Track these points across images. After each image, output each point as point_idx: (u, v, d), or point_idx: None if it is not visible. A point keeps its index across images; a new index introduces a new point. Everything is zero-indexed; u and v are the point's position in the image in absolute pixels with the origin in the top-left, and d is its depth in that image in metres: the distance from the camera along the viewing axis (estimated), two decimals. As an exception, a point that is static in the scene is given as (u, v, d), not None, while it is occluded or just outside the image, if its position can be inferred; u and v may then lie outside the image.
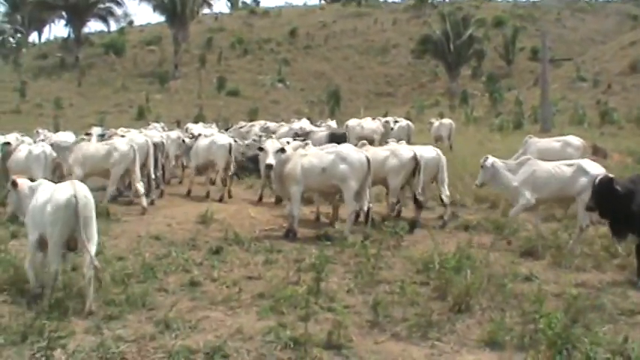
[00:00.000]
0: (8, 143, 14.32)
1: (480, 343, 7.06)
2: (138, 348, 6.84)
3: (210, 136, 18.07)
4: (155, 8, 64.08)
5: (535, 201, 11.64)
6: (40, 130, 20.76)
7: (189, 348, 6.76)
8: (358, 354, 6.74)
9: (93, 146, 15.94)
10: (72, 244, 8.41)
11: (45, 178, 12.99)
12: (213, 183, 17.69)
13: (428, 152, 13.82)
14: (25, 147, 14.19)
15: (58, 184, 8.78)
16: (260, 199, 16.84)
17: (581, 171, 11.28)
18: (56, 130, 24.31)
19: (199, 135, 18.56)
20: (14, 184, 9.16)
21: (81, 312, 7.70)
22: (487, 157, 12.39)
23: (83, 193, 8.28)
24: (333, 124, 25.54)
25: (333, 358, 6.63)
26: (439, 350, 6.91)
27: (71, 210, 8.05)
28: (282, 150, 12.77)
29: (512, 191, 11.92)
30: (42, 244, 8.33)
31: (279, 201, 16.01)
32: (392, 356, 6.68)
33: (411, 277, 9.41)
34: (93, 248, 8.30)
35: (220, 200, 16.27)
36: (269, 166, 12.73)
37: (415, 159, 12.92)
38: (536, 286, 8.58)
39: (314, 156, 12.62)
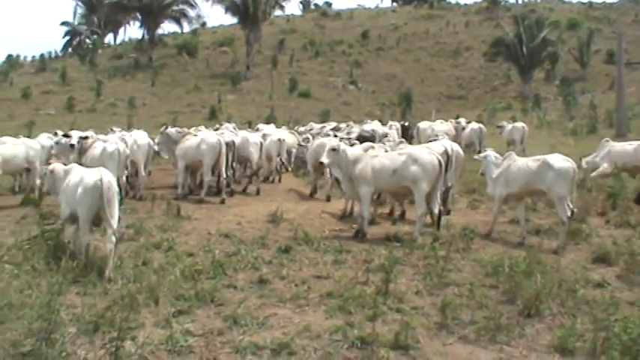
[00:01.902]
0: (86, 137, 14.61)
1: (550, 348, 6.95)
2: (206, 342, 6.92)
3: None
4: (227, 10, 64.52)
5: (507, 194, 12.52)
6: (114, 129, 21.12)
7: (256, 344, 6.82)
8: (425, 355, 6.70)
9: (191, 140, 16.70)
10: (97, 221, 9.82)
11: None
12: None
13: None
14: (100, 144, 14.45)
15: (88, 170, 10.29)
16: (312, 193, 17.75)
17: (547, 165, 11.91)
18: (129, 128, 24.66)
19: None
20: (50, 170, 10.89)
21: (149, 306, 7.88)
22: (485, 150, 13.90)
23: (107, 178, 9.74)
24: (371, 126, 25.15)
25: (400, 358, 6.61)
26: (507, 354, 6.82)
27: (98, 192, 9.52)
28: (335, 150, 12.94)
29: (490, 184, 12.91)
30: (73, 219, 9.81)
31: (313, 194, 17.25)
32: (459, 359, 6.63)
33: (480, 280, 9.31)
34: (114, 224, 9.63)
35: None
36: (322, 164, 13.47)
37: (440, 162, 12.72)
38: (609, 293, 8.43)
39: (385, 157, 12.59)
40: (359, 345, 6.81)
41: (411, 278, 9.49)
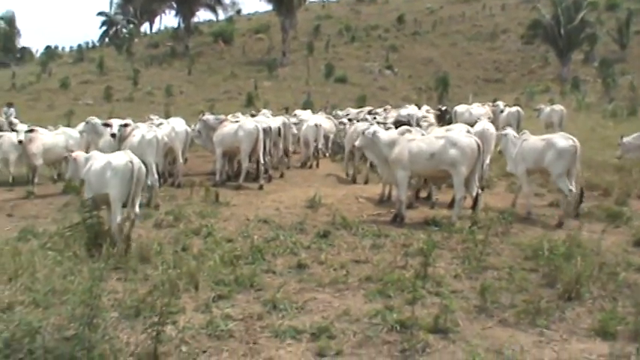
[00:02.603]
0: (126, 124, 14.73)
1: (591, 332, 6.92)
2: (245, 327, 6.97)
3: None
4: (262, -4, 64.66)
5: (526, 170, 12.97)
6: (152, 117, 21.26)
7: (295, 328, 6.86)
8: (465, 339, 6.69)
9: (228, 126, 16.80)
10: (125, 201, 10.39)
11: (157, 162, 13.61)
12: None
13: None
14: (139, 132, 14.55)
15: (113, 154, 11.08)
16: (347, 174, 18.14)
17: (550, 144, 12.46)
18: (167, 116, 24.79)
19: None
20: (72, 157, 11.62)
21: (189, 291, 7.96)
22: (505, 128, 14.41)
23: (137, 160, 10.49)
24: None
25: (440, 342, 6.59)
26: (547, 338, 6.79)
27: (129, 173, 10.22)
28: (367, 134, 13.08)
29: (510, 162, 13.47)
30: (96, 202, 10.29)
31: (354, 180, 17.30)
32: (499, 342, 6.59)
33: (520, 264, 9.28)
34: (137, 203, 10.53)
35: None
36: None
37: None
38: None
39: (422, 141, 12.52)
40: (398, 328, 6.82)
41: (450, 262, 9.48)
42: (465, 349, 6.39)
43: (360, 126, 17.69)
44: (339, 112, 27.78)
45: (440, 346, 6.49)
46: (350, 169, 18.16)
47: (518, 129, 16.96)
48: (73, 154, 11.88)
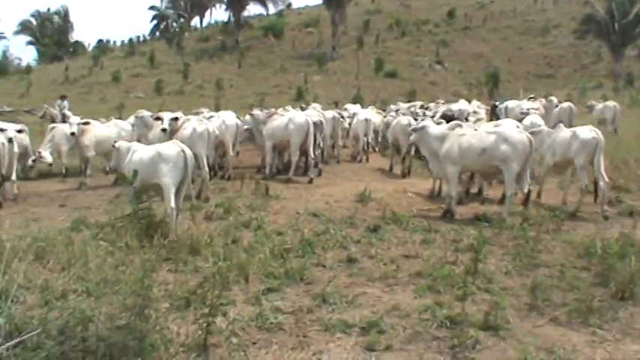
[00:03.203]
0: (176, 118, 14.85)
1: (644, 332, 6.78)
2: (295, 320, 6.97)
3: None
4: (313, -9, 64.75)
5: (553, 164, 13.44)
6: (202, 110, 21.40)
7: (345, 322, 6.83)
8: (515, 336, 6.60)
9: (278, 120, 16.90)
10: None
11: (208, 155, 13.73)
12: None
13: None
14: (190, 125, 14.66)
15: (162, 144, 11.53)
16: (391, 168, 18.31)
17: (574, 136, 12.76)
18: (217, 109, 24.94)
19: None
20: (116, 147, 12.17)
21: (239, 283, 8.00)
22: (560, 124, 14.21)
23: (187, 149, 11.07)
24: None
25: (490, 339, 6.50)
26: (600, 338, 6.65)
27: (182, 161, 10.81)
28: (419, 128, 13.23)
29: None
30: (143, 191, 10.34)
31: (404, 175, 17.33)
32: (550, 340, 6.50)
33: (572, 262, 9.11)
34: (184, 191, 11.17)
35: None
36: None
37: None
38: None
39: (473, 136, 12.43)
40: (448, 324, 6.76)
41: (501, 258, 9.38)
42: (516, 347, 6.32)
43: (403, 120, 17.75)
44: (392, 107, 27.79)
45: (490, 343, 6.41)
46: (399, 163, 18.17)
47: (570, 125, 16.76)
48: (117, 144, 12.31)
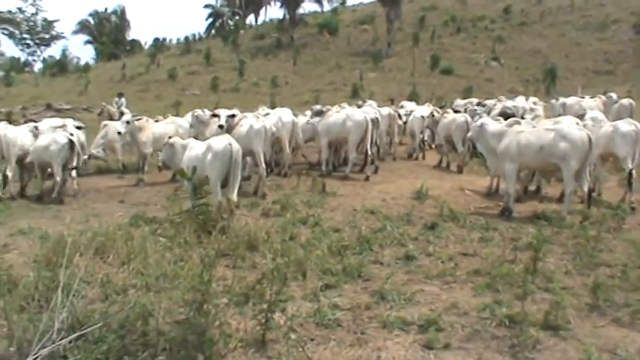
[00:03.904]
0: (233, 115, 14.94)
1: None
2: (353, 316, 6.97)
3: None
4: (367, -13, 64.58)
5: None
6: (264, 108, 21.46)
7: (403, 319, 6.81)
8: (576, 337, 6.50)
9: (335, 116, 16.90)
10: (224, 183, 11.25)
11: (264, 151, 13.80)
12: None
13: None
14: (246, 122, 14.74)
15: (213, 138, 11.91)
16: (440, 162, 18.68)
17: (614, 129, 13.19)
18: (272, 107, 25.02)
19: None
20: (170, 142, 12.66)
21: (297, 279, 8.02)
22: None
23: (235, 143, 11.39)
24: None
25: (550, 339, 6.42)
26: (665, 339, 6.52)
27: (228, 154, 11.12)
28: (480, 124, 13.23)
29: None
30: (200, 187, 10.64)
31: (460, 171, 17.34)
32: (612, 342, 6.38)
33: (634, 261, 8.90)
34: (236, 186, 11.45)
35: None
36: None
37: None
38: None
39: (531, 133, 12.29)
40: (507, 323, 6.69)
41: (560, 257, 9.26)
42: (578, 348, 6.22)
43: (459, 117, 17.73)
44: (459, 101, 27.67)
45: (550, 343, 6.33)
46: (450, 158, 18.39)
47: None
48: (171, 140, 12.71)
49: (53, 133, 14.72)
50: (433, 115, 19.71)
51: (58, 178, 14.12)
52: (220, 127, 14.39)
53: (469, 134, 13.81)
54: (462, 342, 6.37)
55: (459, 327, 6.68)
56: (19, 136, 15.10)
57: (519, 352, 6.15)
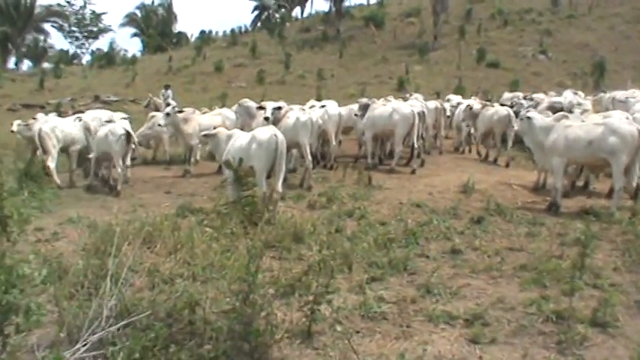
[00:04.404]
0: (279, 108, 14.99)
1: None
2: (399, 309, 6.97)
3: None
4: (413, -20, 64.21)
5: None
6: (315, 103, 21.48)
7: (449, 313, 6.81)
8: (625, 334, 6.42)
9: (380, 109, 16.83)
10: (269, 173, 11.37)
11: (311, 144, 13.82)
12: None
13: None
14: (293, 114, 14.77)
15: (258, 129, 12.04)
16: (479, 154, 18.81)
17: None
18: (318, 100, 25.02)
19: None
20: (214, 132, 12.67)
21: (343, 272, 8.04)
22: None
23: (280, 134, 11.50)
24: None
25: (598, 336, 6.36)
26: None
27: (273, 145, 11.18)
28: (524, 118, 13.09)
29: None
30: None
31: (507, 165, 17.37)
32: (664, 342, 6.30)
33: (686, 259, 8.82)
34: (281, 177, 11.54)
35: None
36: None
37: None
38: None
39: (579, 127, 12.14)
40: (554, 319, 6.64)
41: (609, 254, 9.14)
42: (627, 346, 6.15)
43: (501, 110, 17.65)
44: (507, 95, 27.49)
45: (599, 341, 6.26)
46: (490, 151, 18.56)
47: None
48: (216, 130, 12.77)
49: (110, 125, 15.06)
50: (471, 109, 19.50)
51: (119, 170, 14.36)
52: (266, 119, 14.43)
53: (516, 128, 13.66)
54: (508, 337, 6.34)
55: (505, 322, 6.66)
56: (60, 127, 15.41)
57: (566, 348, 6.10)
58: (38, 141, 15.26)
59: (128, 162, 15.30)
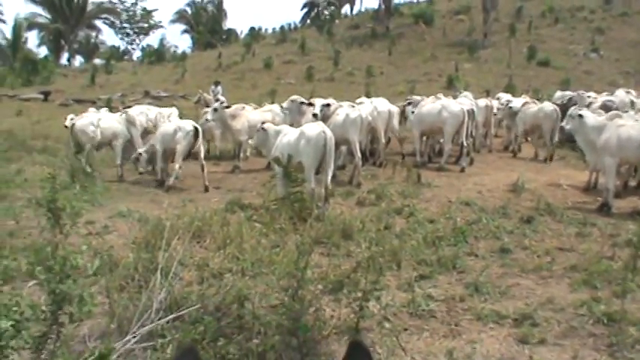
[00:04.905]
0: (328, 105, 15.03)
1: None
2: (447, 308, 6.97)
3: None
4: (464, -22, 63.82)
5: None
6: (364, 99, 21.46)
7: (498, 313, 6.78)
8: (679, 339, 6.32)
9: (428, 106, 16.85)
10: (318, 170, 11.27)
11: (360, 141, 13.82)
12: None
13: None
14: (342, 111, 14.79)
15: (306, 124, 11.97)
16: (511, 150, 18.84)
17: None
18: (368, 97, 24.97)
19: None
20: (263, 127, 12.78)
21: (391, 269, 8.03)
22: None
23: (329, 130, 11.40)
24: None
25: (651, 339, 6.27)
26: None
27: (322, 141, 11.08)
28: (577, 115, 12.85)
29: None
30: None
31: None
32: None
33: None
34: (329, 173, 11.36)
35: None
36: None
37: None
38: None
39: (633, 127, 11.97)
40: (605, 321, 6.56)
41: (663, 256, 9.01)
42: (682, 350, 6.07)
43: (547, 107, 17.55)
44: (559, 93, 27.25)
45: (651, 344, 6.19)
46: (539, 150, 18.47)
47: None
48: (264, 125, 12.84)
49: (179, 121, 15.47)
50: (510, 107, 19.32)
51: (177, 165, 14.50)
52: (314, 115, 14.46)
53: (567, 127, 13.48)
54: (558, 338, 6.29)
55: (555, 323, 6.60)
56: (97, 122, 15.82)
57: (617, 350, 6.03)
58: (71, 135, 15.67)
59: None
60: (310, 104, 15.50)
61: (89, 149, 15.41)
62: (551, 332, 6.40)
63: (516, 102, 20.27)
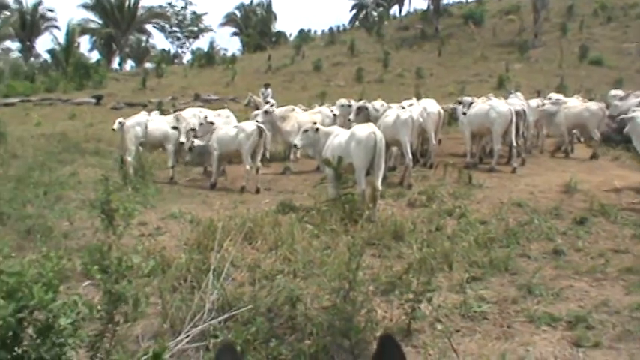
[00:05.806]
0: (364, 107, 15.11)
1: None
2: (499, 309, 6.93)
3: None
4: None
5: None
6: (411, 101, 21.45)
7: (551, 315, 6.72)
8: None
9: (478, 107, 16.78)
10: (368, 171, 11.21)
11: (411, 142, 13.83)
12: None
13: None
14: (393, 112, 14.81)
15: (356, 126, 12.00)
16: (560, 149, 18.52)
17: None
18: (418, 98, 24.93)
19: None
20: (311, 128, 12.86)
21: (443, 270, 8.02)
22: None
23: (379, 132, 11.43)
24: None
25: None
26: None
27: (372, 142, 11.05)
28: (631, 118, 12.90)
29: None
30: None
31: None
32: None
33: None
34: (380, 174, 11.27)
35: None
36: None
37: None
38: None
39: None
40: (662, 325, 6.46)
41: None
42: None
43: (592, 105, 17.42)
44: (612, 92, 26.97)
45: None
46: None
47: None
48: (314, 125, 12.96)
49: (239, 124, 15.74)
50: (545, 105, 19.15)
51: (247, 167, 14.61)
52: (334, 115, 14.66)
53: (626, 129, 13.30)
54: (613, 341, 6.22)
55: (610, 325, 6.52)
56: (144, 124, 16.03)
57: (674, 354, 5.95)
58: (121, 137, 16.04)
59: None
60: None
61: (136, 150, 15.54)
62: (606, 335, 6.33)
63: (571, 102, 20.08)
